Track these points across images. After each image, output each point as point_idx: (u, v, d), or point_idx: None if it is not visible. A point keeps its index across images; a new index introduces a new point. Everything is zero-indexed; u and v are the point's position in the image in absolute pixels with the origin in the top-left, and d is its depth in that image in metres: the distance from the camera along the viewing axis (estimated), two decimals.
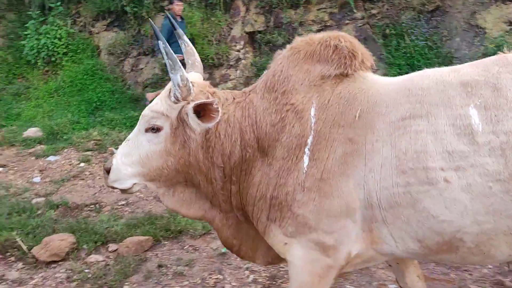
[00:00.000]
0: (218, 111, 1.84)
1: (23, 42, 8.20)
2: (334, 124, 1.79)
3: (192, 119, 1.87)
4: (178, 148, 1.96)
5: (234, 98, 2.03)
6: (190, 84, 1.92)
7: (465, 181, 1.57)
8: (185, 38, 2.25)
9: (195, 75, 2.13)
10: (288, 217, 1.83)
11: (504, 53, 1.76)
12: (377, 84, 1.88)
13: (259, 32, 7.81)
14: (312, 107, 1.84)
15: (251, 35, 7.87)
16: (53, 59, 8.18)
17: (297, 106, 1.85)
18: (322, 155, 1.77)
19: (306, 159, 1.80)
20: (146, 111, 1.99)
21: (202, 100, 1.88)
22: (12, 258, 3.72)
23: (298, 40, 2.00)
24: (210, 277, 3.23)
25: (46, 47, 8.06)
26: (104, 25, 8.47)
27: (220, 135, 1.94)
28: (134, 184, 2.05)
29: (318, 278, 1.86)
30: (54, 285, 3.26)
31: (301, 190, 1.79)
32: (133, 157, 2.01)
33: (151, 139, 1.97)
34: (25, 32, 8.17)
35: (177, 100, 1.91)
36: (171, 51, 1.90)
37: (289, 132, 1.84)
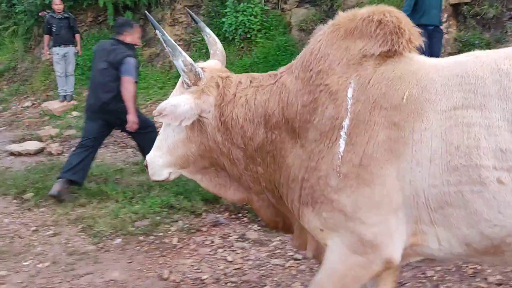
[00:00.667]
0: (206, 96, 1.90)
1: (222, 20, 8.86)
2: (375, 106, 1.64)
3: (203, 105, 1.92)
4: (196, 134, 1.99)
5: (251, 82, 1.98)
6: (199, 69, 1.93)
7: None
8: (207, 29, 2.28)
9: (211, 62, 2.15)
10: (321, 201, 1.72)
11: None
12: (426, 66, 1.70)
13: (466, 3, 7.05)
14: (350, 87, 1.69)
15: (456, 7, 7.15)
16: (248, 35, 8.68)
17: (332, 86, 1.72)
18: (361, 140, 1.63)
19: (342, 143, 1.66)
20: (168, 109, 1.95)
21: (197, 92, 1.91)
22: (245, 219, 4.08)
23: (340, 16, 1.84)
24: None
25: (243, 24, 8.57)
26: (296, 1, 8.63)
27: (238, 118, 1.90)
28: (170, 173, 2.12)
29: (350, 273, 1.74)
30: (295, 250, 3.37)
31: (336, 176, 1.67)
32: (163, 148, 2.07)
33: (175, 129, 2.02)
34: (225, 10, 8.79)
35: (188, 86, 1.93)
36: (169, 39, 1.93)
37: (321, 114, 1.72)
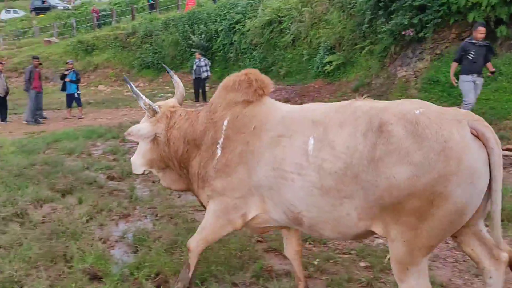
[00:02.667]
0: (158, 123, 3.11)
1: None
2: (238, 131, 2.77)
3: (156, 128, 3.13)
4: (155, 146, 3.15)
5: (185, 114, 3.13)
6: (155, 107, 3.13)
7: (300, 183, 2.46)
8: (175, 77, 3.54)
9: (169, 100, 3.36)
10: (207, 185, 2.89)
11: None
12: (271, 109, 2.80)
13: None
14: (226, 120, 2.84)
15: None
16: None
17: (215, 119, 2.89)
18: (228, 150, 2.78)
19: (218, 152, 2.82)
20: (133, 132, 3.12)
21: (152, 122, 3.13)
22: None
23: (227, 77, 2.98)
24: None
25: None
26: None
27: (174, 138, 3.06)
28: (144, 170, 3.28)
29: (218, 223, 2.86)
30: None
31: (214, 170, 2.83)
32: (139, 154, 3.25)
33: (144, 143, 3.20)
34: None
35: (149, 117, 3.15)
36: (133, 87, 3.13)
37: (208, 135, 2.91)
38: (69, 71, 13.15)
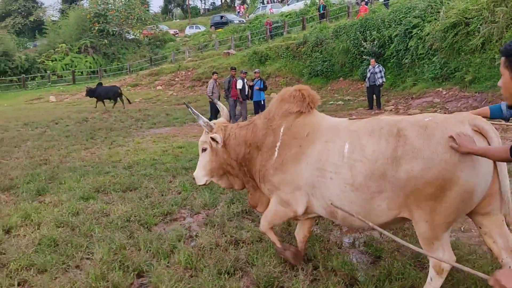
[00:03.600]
0: (217, 137, 3.66)
1: None
2: (293, 137, 3.27)
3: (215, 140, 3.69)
4: (215, 157, 3.74)
5: (238, 125, 3.79)
6: (212, 124, 3.74)
7: (336, 181, 2.96)
8: (219, 102, 4.35)
9: (221, 119, 3.97)
10: (267, 181, 3.41)
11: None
12: (318, 119, 3.33)
13: None
14: (282, 127, 3.36)
15: None
16: None
17: (274, 126, 3.41)
18: (284, 152, 3.28)
19: (276, 153, 3.34)
20: (199, 142, 3.88)
21: (212, 134, 3.69)
22: None
23: (283, 90, 3.52)
24: None
25: None
26: None
27: (231, 145, 3.66)
28: (206, 180, 3.85)
29: (278, 213, 3.43)
30: None
31: (272, 168, 3.34)
32: (200, 167, 3.83)
33: (204, 155, 3.82)
34: None
35: (207, 132, 3.74)
36: (193, 110, 3.75)
37: (268, 139, 3.42)
38: (256, 79, 14.25)
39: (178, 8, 76.55)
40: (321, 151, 3.07)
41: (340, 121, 3.27)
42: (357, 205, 2.88)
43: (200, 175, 3.83)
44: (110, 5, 38.63)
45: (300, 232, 3.65)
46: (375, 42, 18.95)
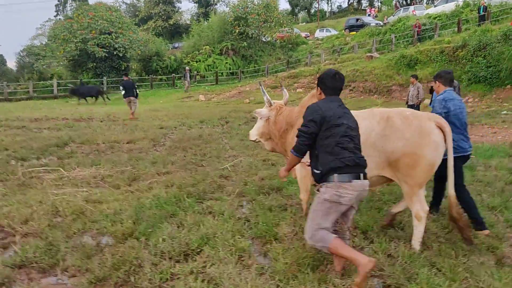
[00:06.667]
0: (271, 111, 5.46)
1: None
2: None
3: (269, 113, 5.48)
4: (266, 124, 5.44)
5: (287, 109, 5.31)
6: (272, 102, 5.46)
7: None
8: (284, 90, 5.87)
9: (279, 101, 5.53)
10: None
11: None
12: None
13: None
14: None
15: None
16: None
17: (301, 114, 4.04)
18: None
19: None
20: (258, 112, 5.57)
21: (269, 109, 5.52)
22: None
23: (313, 91, 4.49)
24: None
25: None
26: None
27: (278, 120, 5.24)
28: (256, 139, 5.62)
29: (305, 180, 5.01)
30: None
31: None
32: (256, 128, 5.58)
33: (260, 121, 5.53)
34: None
35: (267, 106, 5.50)
36: (263, 89, 5.57)
37: (298, 121, 4.48)
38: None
39: (302, 12, 77.18)
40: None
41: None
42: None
43: (254, 134, 5.70)
44: (249, 8, 40.34)
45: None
46: None
